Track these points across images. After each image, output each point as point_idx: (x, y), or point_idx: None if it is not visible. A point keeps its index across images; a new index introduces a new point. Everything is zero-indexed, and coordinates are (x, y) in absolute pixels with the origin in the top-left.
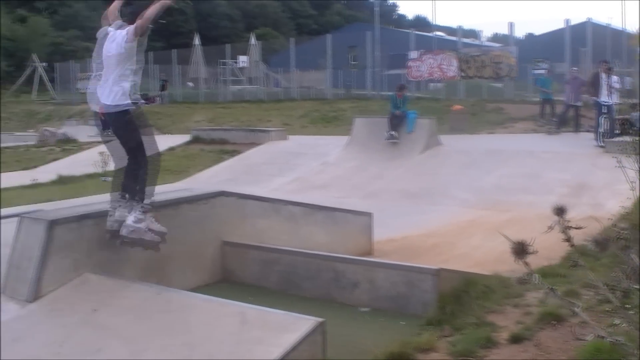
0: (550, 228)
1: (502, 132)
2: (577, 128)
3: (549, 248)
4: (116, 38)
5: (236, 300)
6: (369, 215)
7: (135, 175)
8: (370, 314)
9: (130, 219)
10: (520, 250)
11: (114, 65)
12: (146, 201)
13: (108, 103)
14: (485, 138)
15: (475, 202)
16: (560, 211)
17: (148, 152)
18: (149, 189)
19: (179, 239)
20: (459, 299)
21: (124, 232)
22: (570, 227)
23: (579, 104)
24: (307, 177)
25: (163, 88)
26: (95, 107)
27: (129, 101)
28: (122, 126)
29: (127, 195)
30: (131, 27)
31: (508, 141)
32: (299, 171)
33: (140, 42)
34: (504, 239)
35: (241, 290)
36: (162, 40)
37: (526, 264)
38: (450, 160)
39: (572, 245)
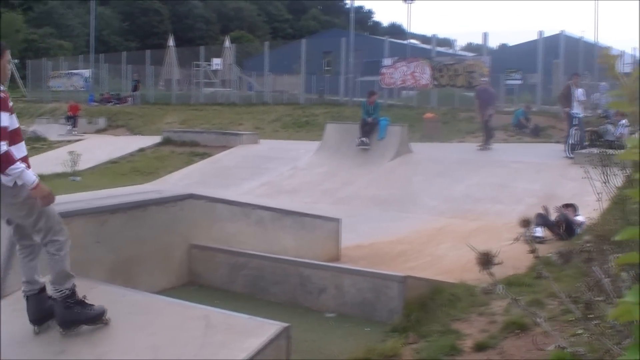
0: (516, 240)
1: (473, 141)
2: (488, 139)
3: (515, 257)
4: None
5: (203, 304)
6: (337, 221)
7: None
8: (336, 319)
9: None
10: (486, 260)
11: None
12: None
13: None
14: (457, 146)
15: (444, 210)
16: (525, 223)
17: None
18: None
19: (146, 241)
20: (425, 306)
21: None
22: (535, 239)
23: (489, 113)
24: (277, 181)
25: (135, 88)
26: None
27: None
28: None
29: None
30: None
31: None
32: (269, 175)
33: None
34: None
35: (208, 294)
36: (136, 41)
37: (491, 274)
38: (421, 167)
39: (537, 257)
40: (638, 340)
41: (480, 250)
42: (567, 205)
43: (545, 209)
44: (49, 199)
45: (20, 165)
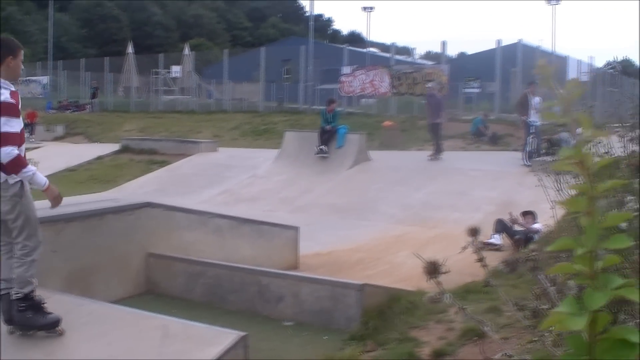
0: (464, 248)
1: (431, 149)
2: (438, 149)
3: (473, 265)
4: None
5: (160, 313)
6: (295, 229)
7: None
8: (294, 328)
9: None
10: (432, 269)
11: None
12: None
13: None
14: (415, 154)
15: (402, 218)
16: (474, 232)
17: None
18: None
19: (103, 249)
20: (383, 314)
21: None
22: (485, 246)
23: (438, 121)
24: (236, 189)
25: (94, 96)
26: None
27: None
28: None
29: None
30: None
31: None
32: (228, 183)
33: None
34: (429, 255)
35: (166, 303)
36: (95, 47)
37: (438, 283)
38: (380, 175)
39: (485, 266)
40: (572, 349)
41: (426, 259)
42: (526, 213)
43: (511, 215)
44: (59, 200)
45: (32, 168)
